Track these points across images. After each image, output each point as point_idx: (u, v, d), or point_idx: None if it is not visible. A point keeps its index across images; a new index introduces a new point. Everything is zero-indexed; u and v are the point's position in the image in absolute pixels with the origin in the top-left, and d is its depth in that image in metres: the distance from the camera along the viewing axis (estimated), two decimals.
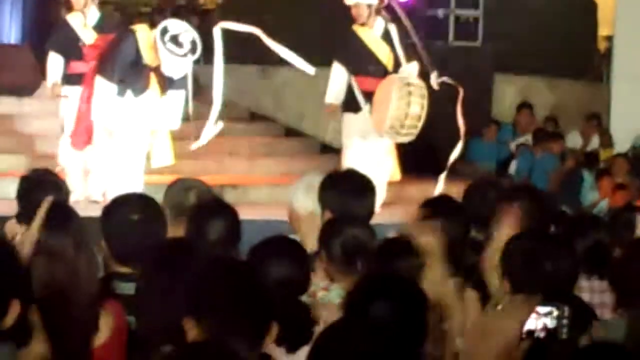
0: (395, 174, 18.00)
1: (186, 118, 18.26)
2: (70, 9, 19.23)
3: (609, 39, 28.87)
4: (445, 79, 18.18)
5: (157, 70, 17.40)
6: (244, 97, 24.60)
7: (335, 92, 18.53)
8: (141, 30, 17.63)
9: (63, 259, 5.53)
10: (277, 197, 17.00)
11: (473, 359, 5.50)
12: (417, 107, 17.54)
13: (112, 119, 17.32)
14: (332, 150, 21.09)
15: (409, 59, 17.90)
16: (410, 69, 17.84)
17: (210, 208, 8.56)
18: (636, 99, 26.16)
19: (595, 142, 24.39)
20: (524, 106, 25.49)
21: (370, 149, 17.88)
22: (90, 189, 17.95)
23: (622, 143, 24.28)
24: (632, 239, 9.59)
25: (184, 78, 17.82)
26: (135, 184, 16.89)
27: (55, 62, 18.72)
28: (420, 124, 17.70)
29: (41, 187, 9.94)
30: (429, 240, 7.87)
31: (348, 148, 18.40)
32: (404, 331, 5.24)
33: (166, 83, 17.46)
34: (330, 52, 18.70)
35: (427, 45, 25.39)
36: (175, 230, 8.27)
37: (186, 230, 8.12)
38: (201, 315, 5.17)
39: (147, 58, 17.46)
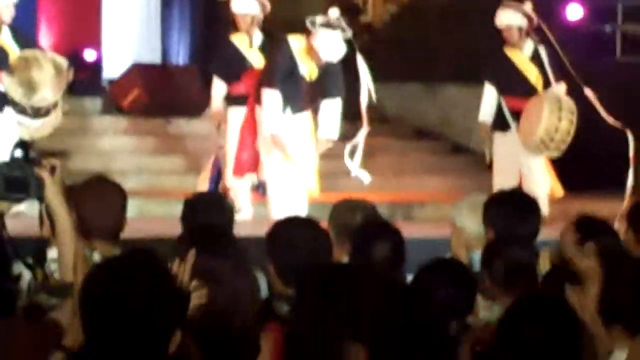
0: (557, 190, 17.91)
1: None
2: (236, 29, 19.24)
3: None
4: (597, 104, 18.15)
5: (313, 85, 17.37)
6: (409, 114, 24.57)
7: (486, 111, 18.68)
8: (295, 38, 17.55)
9: (222, 283, 5.58)
10: (444, 215, 16.99)
11: None
12: (567, 123, 17.56)
13: (283, 129, 17.26)
14: None
15: (557, 79, 17.86)
16: (559, 89, 17.83)
17: (375, 229, 8.54)
18: None
19: None
20: None
21: (522, 167, 17.92)
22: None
23: None
24: None
25: (340, 87, 17.78)
26: (300, 204, 16.91)
27: (218, 89, 18.76)
28: (569, 139, 17.69)
29: (205, 209, 10.03)
30: (590, 265, 7.85)
31: (497, 167, 18.47)
32: (557, 356, 5.24)
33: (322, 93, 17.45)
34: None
35: (593, 61, 25.36)
36: (340, 250, 8.28)
37: (350, 252, 8.12)
38: (368, 340, 5.18)
39: (303, 67, 17.36)
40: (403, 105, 24.23)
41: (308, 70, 17.41)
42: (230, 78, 18.71)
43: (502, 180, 17.43)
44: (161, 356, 4.94)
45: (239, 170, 17.66)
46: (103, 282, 4.97)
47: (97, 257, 7.59)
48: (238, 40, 18.57)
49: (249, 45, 18.05)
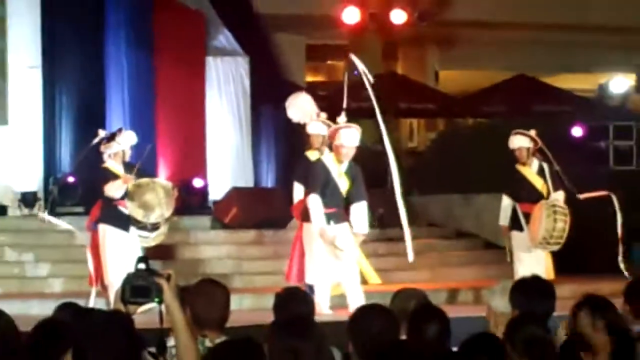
0: (550, 273, 17.98)
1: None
2: (310, 147, 18.80)
3: None
4: (589, 194, 18.39)
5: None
6: (450, 219, 24.65)
7: (505, 216, 18.94)
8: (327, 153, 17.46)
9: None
10: (481, 298, 16.97)
11: None
12: (562, 224, 17.90)
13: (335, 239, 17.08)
14: None
15: (556, 188, 18.08)
16: (558, 196, 18.17)
17: (426, 312, 8.51)
18: None
19: None
20: None
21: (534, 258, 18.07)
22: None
23: None
24: None
25: (364, 192, 17.75)
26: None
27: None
28: (565, 235, 17.97)
29: (293, 301, 9.86)
30: (602, 338, 7.81)
31: (517, 258, 18.55)
32: None
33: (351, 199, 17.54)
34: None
35: (591, 170, 25.29)
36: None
37: (407, 331, 8.08)
38: None
39: (337, 176, 17.37)
40: (445, 212, 24.30)
41: (343, 181, 17.28)
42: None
43: (522, 269, 17.48)
44: None
45: (292, 279, 17.47)
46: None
47: (208, 343, 7.56)
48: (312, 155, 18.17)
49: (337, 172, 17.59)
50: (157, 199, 16.51)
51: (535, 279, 10.30)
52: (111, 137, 17.15)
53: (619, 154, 26.56)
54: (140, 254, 16.24)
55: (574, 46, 36.07)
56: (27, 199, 22.76)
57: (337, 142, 17.32)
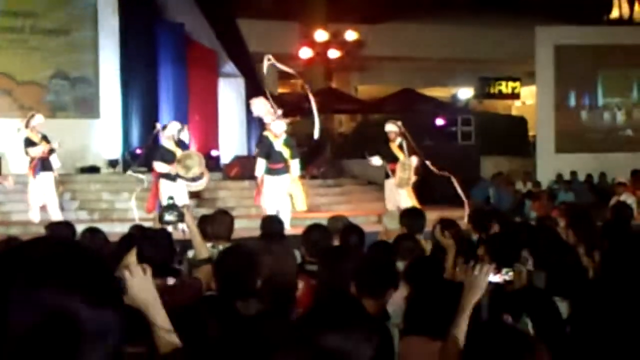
0: (415, 203, 17.90)
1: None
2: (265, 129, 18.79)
3: (534, 136, 28.65)
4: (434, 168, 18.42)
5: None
6: (363, 173, 24.40)
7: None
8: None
9: (280, 257, 5.51)
10: (379, 221, 16.81)
11: None
12: (408, 172, 17.82)
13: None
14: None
15: (410, 155, 17.92)
16: (411, 160, 17.95)
17: (350, 229, 8.47)
18: (548, 164, 25.99)
19: (529, 185, 23.99)
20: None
21: (397, 195, 17.97)
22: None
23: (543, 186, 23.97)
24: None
25: (296, 154, 17.76)
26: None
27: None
28: (411, 179, 17.91)
29: (272, 222, 9.91)
30: (449, 242, 7.83)
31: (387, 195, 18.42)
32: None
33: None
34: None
35: (447, 145, 25.21)
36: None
37: (339, 240, 8.04)
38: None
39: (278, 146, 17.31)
40: (360, 170, 23.89)
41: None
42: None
43: (390, 203, 17.79)
44: None
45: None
46: (226, 256, 5.04)
47: (220, 247, 7.50)
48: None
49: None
50: (194, 162, 16.56)
51: (414, 208, 10.34)
52: (164, 127, 17.17)
53: (463, 135, 26.61)
54: (186, 195, 16.44)
55: (438, 70, 36.08)
56: (112, 163, 22.67)
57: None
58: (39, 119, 17.47)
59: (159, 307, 3.26)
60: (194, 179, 16.95)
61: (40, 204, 17.13)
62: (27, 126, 17.38)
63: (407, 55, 33.45)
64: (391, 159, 18.13)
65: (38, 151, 17.16)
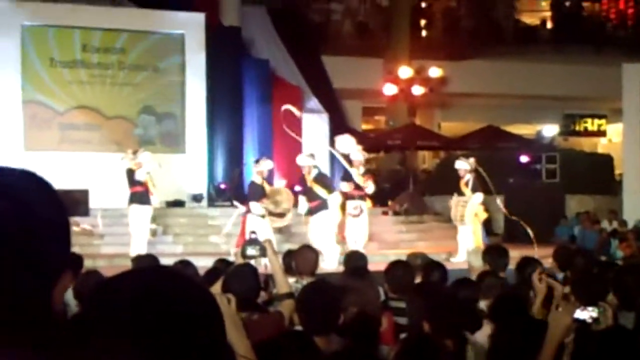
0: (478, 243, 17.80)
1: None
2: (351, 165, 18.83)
3: (621, 175, 28.22)
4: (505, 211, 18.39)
5: None
6: (446, 210, 24.32)
7: None
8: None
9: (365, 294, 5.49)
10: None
11: None
12: (462, 209, 18.16)
13: None
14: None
15: (474, 191, 17.98)
16: (476, 195, 18.03)
17: (432, 265, 8.41)
18: (635, 203, 25.57)
19: (615, 224, 23.57)
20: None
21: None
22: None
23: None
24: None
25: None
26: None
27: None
28: (465, 217, 18.16)
29: (355, 258, 9.83)
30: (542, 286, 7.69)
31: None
32: None
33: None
34: None
35: (531, 182, 24.98)
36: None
37: (421, 277, 7.99)
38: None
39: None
40: (443, 206, 23.81)
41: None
42: None
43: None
44: None
45: None
46: (309, 291, 5.07)
47: (303, 282, 7.50)
48: None
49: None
50: (283, 198, 16.77)
51: (496, 246, 10.24)
52: (257, 161, 17.45)
53: (548, 172, 26.32)
54: (271, 231, 16.55)
55: (522, 107, 35.84)
56: (196, 197, 22.86)
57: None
58: (146, 157, 17.69)
59: (242, 337, 3.28)
60: (280, 215, 17.11)
61: (139, 236, 17.34)
62: (132, 160, 17.61)
63: (490, 92, 33.31)
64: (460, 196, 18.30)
65: (143, 175, 17.39)
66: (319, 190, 17.17)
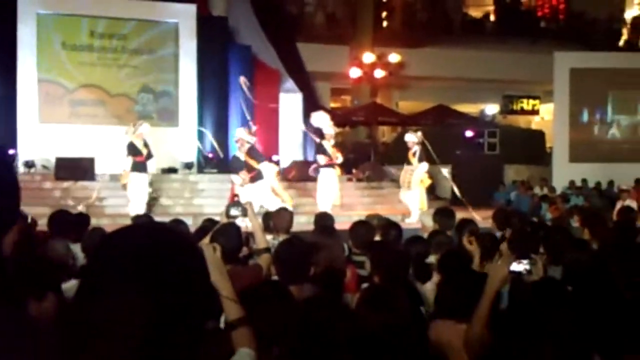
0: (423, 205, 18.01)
1: None
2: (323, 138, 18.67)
3: (551, 148, 28.35)
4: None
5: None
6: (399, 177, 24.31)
7: None
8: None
9: (333, 248, 5.50)
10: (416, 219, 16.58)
11: None
12: (409, 176, 18.12)
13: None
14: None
15: (420, 160, 17.91)
16: (421, 165, 18.00)
17: (389, 224, 8.40)
18: (563, 172, 25.72)
19: (545, 190, 23.70)
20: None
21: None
22: None
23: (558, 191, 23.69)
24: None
25: None
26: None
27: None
28: (412, 182, 18.06)
29: (323, 218, 9.88)
30: (473, 247, 7.66)
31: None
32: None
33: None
34: None
35: (475, 154, 25.01)
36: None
37: (380, 235, 7.95)
38: None
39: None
40: (397, 174, 23.77)
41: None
42: None
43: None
44: None
45: None
46: (284, 246, 5.08)
47: (280, 239, 7.45)
48: None
49: None
50: None
51: (446, 208, 10.25)
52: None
53: (489, 146, 26.37)
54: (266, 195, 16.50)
55: (468, 88, 35.91)
56: (187, 165, 22.77)
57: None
58: (145, 128, 17.55)
59: (226, 280, 3.30)
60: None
61: (138, 199, 17.25)
62: (134, 132, 17.47)
63: (441, 75, 33.35)
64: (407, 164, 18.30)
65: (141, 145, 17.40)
66: (251, 162, 16.85)
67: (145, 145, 17.44)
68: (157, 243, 1.67)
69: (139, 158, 17.26)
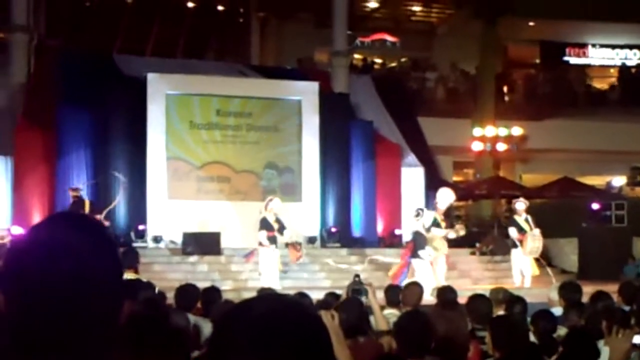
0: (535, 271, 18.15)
1: None
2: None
3: None
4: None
5: None
6: None
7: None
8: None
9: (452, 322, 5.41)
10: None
11: None
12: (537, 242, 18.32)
13: None
14: None
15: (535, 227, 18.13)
16: (535, 230, 18.29)
17: (513, 298, 8.25)
18: None
19: None
20: None
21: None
22: None
23: None
24: None
25: None
26: None
27: None
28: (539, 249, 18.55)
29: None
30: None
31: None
32: None
33: None
34: None
35: (602, 226, 24.37)
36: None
37: (504, 309, 7.80)
38: None
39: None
40: None
41: None
42: None
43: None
44: None
45: None
46: (405, 318, 5.06)
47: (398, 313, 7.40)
48: None
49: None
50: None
51: (570, 283, 10.01)
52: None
53: (617, 218, 25.65)
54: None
55: (594, 161, 35.20)
56: (311, 239, 22.92)
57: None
58: (276, 203, 17.94)
59: (344, 348, 3.33)
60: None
61: (270, 273, 17.53)
62: (266, 208, 17.85)
63: (565, 147, 32.82)
64: (520, 231, 18.35)
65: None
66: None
67: (277, 220, 17.77)
68: (281, 315, 1.68)
69: (270, 233, 17.58)
